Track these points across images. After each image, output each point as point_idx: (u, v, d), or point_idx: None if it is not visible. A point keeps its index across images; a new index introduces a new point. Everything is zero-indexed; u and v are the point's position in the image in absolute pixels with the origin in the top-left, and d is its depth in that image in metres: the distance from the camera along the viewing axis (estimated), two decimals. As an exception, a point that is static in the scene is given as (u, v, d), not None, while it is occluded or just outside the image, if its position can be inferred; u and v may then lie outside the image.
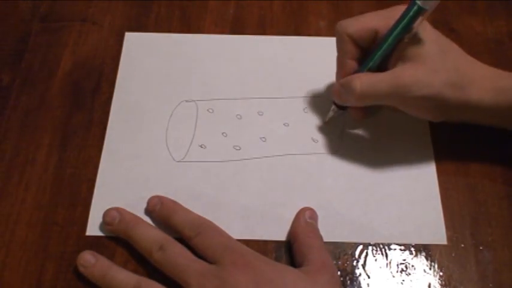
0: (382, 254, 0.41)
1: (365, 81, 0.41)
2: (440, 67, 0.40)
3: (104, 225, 0.42)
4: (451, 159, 0.45)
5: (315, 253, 0.39)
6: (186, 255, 0.38)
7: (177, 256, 0.38)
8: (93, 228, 0.42)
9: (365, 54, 0.43)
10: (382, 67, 0.42)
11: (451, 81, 0.40)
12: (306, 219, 0.42)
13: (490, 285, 0.40)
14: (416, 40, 0.40)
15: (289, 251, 0.41)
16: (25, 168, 0.45)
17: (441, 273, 0.41)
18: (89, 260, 0.39)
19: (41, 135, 0.47)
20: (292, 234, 0.41)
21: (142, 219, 0.42)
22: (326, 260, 0.39)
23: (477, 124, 0.45)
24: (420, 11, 0.39)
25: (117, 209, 0.42)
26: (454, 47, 0.42)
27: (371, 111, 0.45)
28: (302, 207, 0.43)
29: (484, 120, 0.44)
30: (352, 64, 0.43)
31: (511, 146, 0.46)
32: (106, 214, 0.42)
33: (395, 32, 0.40)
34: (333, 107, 0.46)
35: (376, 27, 0.41)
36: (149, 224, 0.42)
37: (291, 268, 0.38)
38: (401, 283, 0.40)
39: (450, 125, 0.47)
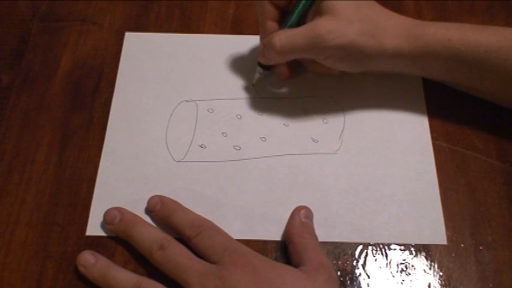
0: (382, 254, 0.41)
1: (283, 36, 0.43)
2: (354, 18, 0.42)
3: (104, 224, 0.42)
4: (451, 159, 0.45)
5: (310, 253, 0.39)
6: (186, 254, 0.38)
7: (178, 256, 0.38)
8: (93, 228, 0.42)
9: (284, 15, 0.45)
10: (301, 24, 0.44)
11: (364, 30, 0.42)
12: (300, 219, 0.42)
13: (490, 285, 0.40)
14: None
15: (289, 251, 0.41)
16: (25, 168, 0.45)
17: (441, 273, 0.41)
18: (88, 260, 0.39)
19: (41, 135, 0.47)
20: (286, 234, 0.41)
21: (142, 219, 0.42)
22: (323, 260, 0.39)
23: (398, 74, 0.47)
24: None
25: (118, 209, 0.42)
26: (369, 0, 0.44)
27: (295, 71, 0.48)
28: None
29: (403, 68, 0.46)
30: (273, 25, 0.46)
31: (511, 145, 0.46)
32: (107, 213, 0.42)
33: None
34: (258, 68, 0.48)
35: None
36: (149, 224, 0.42)
37: (290, 268, 0.38)
38: (401, 283, 0.40)
39: (451, 125, 0.47)
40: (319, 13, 0.43)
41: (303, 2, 0.44)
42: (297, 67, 0.49)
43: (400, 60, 0.44)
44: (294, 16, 0.45)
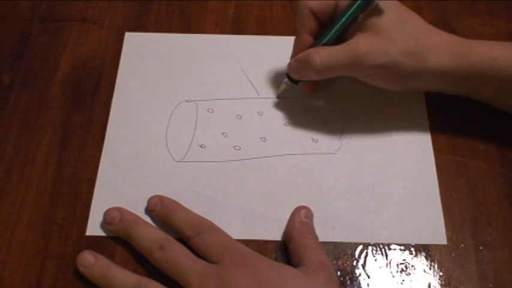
0: (382, 254, 0.41)
1: (323, 55, 0.42)
2: (398, 36, 0.41)
3: (104, 224, 0.42)
4: (451, 159, 0.45)
5: (311, 253, 0.39)
6: (186, 254, 0.38)
7: (177, 256, 0.38)
8: (93, 228, 0.42)
9: (321, 29, 0.44)
10: (339, 41, 0.43)
11: (408, 49, 0.41)
12: (301, 219, 0.42)
13: (490, 285, 0.40)
14: (374, 11, 0.41)
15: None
16: (25, 168, 0.45)
17: (441, 273, 0.41)
18: (88, 260, 0.39)
19: (41, 135, 0.47)
20: (287, 234, 0.41)
21: (142, 219, 0.42)
22: (323, 260, 0.39)
23: (441, 92, 0.45)
24: None
25: (118, 209, 0.42)
26: (414, 16, 0.43)
27: (324, 84, 0.47)
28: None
29: (447, 88, 0.44)
30: (308, 39, 0.44)
31: (511, 145, 0.46)
32: (107, 213, 0.42)
33: (354, 7, 0.41)
34: (286, 80, 0.47)
35: (336, 0, 0.42)
36: (149, 224, 0.42)
37: (290, 268, 0.38)
38: (401, 283, 0.40)
39: (450, 125, 0.47)
40: (360, 29, 0.41)
41: (343, 19, 0.42)
42: (324, 81, 0.46)
43: (444, 79, 0.43)
44: (333, 32, 0.42)
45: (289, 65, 0.45)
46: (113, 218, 0.41)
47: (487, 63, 0.41)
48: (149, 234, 0.40)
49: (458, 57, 0.41)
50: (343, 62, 0.41)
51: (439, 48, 0.42)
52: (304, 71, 0.43)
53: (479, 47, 0.42)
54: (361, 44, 0.41)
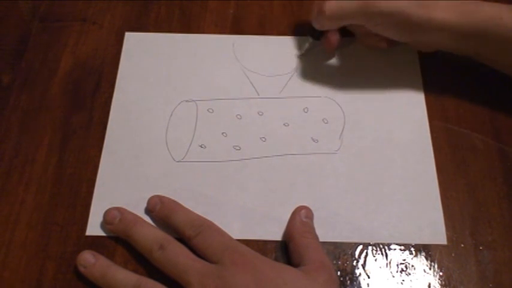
0: (382, 254, 0.41)
1: (333, 3, 0.45)
2: None
3: (104, 224, 0.42)
4: (451, 159, 0.45)
5: (311, 253, 0.39)
6: (186, 254, 0.38)
7: (178, 255, 0.38)
8: (93, 228, 0.42)
9: None
10: None
11: (416, 1, 0.43)
12: (301, 219, 0.42)
13: (490, 285, 0.40)
14: None
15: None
16: (25, 168, 0.45)
17: (441, 273, 0.41)
18: (88, 259, 0.39)
19: (41, 135, 0.47)
20: (287, 234, 0.41)
21: (142, 219, 0.42)
22: (324, 260, 0.39)
23: (444, 49, 0.47)
24: None
25: (118, 209, 0.42)
26: None
27: (343, 42, 0.50)
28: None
29: (451, 44, 0.46)
30: None
31: (511, 145, 0.46)
32: (107, 213, 0.42)
33: None
34: (308, 37, 0.50)
35: None
36: (149, 224, 0.42)
37: (290, 268, 0.38)
38: (401, 283, 0.40)
39: (451, 125, 0.47)
40: None
41: None
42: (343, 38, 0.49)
43: (448, 34, 0.44)
44: None
45: (312, 15, 0.47)
46: (113, 218, 0.41)
47: (492, 22, 0.43)
48: (149, 234, 0.40)
49: (464, 13, 0.43)
50: (353, 9, 0.44)
51: (446, 3, 0.44)
52: (318, 19, 0.46)
53: (486, 6, 0.44)
54: None
